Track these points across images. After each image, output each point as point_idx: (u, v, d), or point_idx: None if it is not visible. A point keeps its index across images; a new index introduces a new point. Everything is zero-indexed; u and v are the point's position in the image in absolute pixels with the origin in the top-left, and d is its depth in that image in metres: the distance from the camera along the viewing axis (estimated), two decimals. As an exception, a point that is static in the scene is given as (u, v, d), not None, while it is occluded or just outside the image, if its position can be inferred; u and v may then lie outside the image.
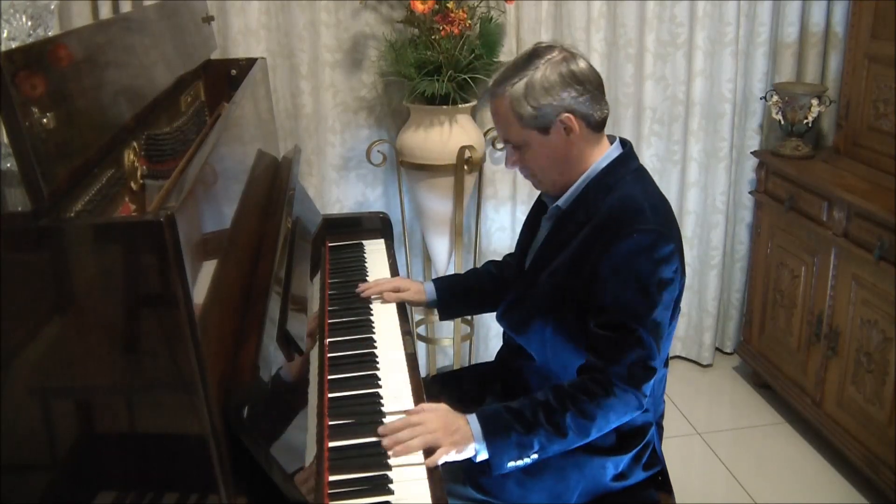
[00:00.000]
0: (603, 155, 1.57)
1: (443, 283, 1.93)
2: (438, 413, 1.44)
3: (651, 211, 1.49)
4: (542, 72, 1.49)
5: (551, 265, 1.58)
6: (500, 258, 1.98)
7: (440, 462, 1.37)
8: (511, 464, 1.43)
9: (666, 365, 1.66)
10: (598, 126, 1.55)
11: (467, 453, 1.42)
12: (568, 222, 1.57)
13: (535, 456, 1.44)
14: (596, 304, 1.48)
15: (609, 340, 1.46)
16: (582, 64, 1.52)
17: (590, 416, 1.44)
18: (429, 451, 1.37)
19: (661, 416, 1.72)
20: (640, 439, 1.61)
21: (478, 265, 2.72)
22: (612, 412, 1.45)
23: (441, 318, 2.01)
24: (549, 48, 1.53)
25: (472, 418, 1.43)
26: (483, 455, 1.42)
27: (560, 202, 1.59)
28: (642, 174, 1.60)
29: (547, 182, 1.60)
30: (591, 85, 1.52)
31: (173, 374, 0.94)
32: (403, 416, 1.44)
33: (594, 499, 1.61)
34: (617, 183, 1.54)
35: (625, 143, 1.61)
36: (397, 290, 1.90)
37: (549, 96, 1.49)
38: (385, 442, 1.37)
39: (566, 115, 1.50)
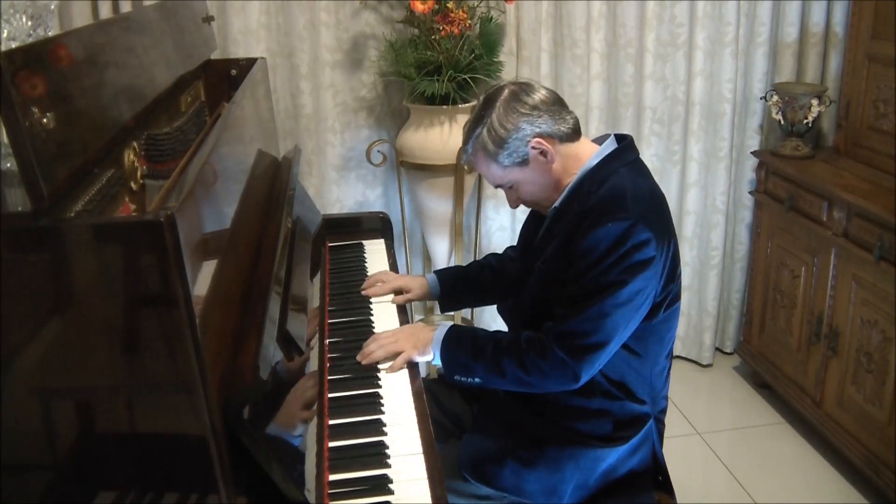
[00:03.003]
0: (592, 154, 1.60)
1: (445, 276, 1.95)
2: (406, 327, 1.68)
3: (632, 200, 1.51)
4: (497, 112, 1.56)
5: (545, 254, 1.62)
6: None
7: (402, 364, 1.59)
8: (458, 377, 1.58)
9: (668, 358, 1.67)
10: (570, 136, 1.59)
11: (427, 356, 1.60)
12: (563, 215, 1.61)
13: (478, 380, 1.57)
14: (566, 283, 1.53)
15: (563, 314, 1.52)
16: (533, 92, 1.57)
17: (526, 370, 1.53)
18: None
19: (662, 412, 1.72)
20: (637, 430, 1.62)
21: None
22: (547, 377, 1.52)
23: (442, 311, 2.03)
24: (499, 89, 1.59)
25: (443, 326, 1.62)
26: (437, 361, 1.60)
27: (556, 204, 1.63)
28: (637, 166, 1.62)
29: (547, 201, 1.65)
30: (546, 105, 1.57)
31: (173, 374, 0.94)
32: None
33: (590, 495, 1.61)
34: (611, 175, 1.57)
35: (623, 138, 1.63)
36: (400, 292, 1.92)
37: (511, 132, 1.54)
38: (357, 357, 1.60)
39: (535, 139, 1.55)
